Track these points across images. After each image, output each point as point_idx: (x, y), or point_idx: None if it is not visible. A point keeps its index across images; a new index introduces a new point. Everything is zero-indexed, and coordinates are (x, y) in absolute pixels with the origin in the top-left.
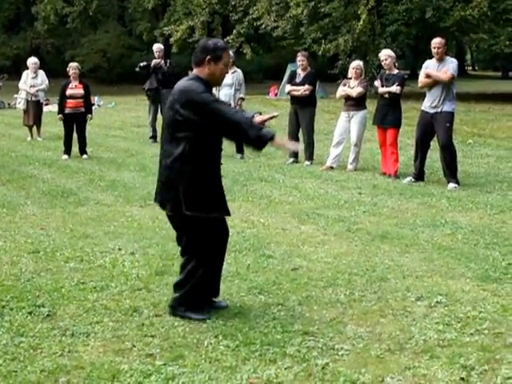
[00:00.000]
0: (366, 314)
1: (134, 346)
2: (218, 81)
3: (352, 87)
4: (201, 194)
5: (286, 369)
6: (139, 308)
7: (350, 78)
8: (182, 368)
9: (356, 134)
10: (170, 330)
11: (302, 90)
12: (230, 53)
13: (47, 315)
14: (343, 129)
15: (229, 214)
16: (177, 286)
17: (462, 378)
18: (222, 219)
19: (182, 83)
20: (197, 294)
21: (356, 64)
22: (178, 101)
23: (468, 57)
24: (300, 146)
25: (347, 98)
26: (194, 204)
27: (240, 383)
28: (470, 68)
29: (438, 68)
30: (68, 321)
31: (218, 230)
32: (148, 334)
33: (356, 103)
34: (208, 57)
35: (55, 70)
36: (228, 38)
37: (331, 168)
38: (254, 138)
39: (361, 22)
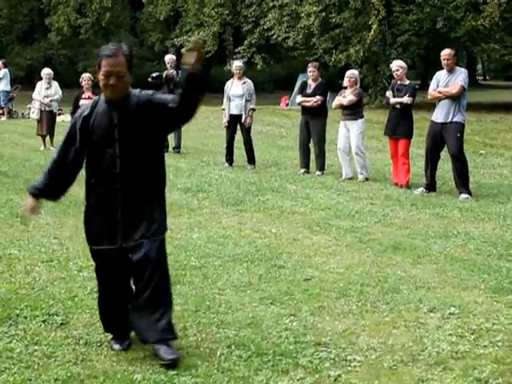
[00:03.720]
0: (379, 325)
1: (147, 356)
2: (110, 95)
3: (345, 96)
4: (85, 223)
5: (298, 380)
6: None
7: (346, 88)
8: (194, 378)
9: (355, 144)
10: (182, 340)
11: (313, 101)
12: (239, 63)
13: (61, 324)
14: (344, 137)
15: (114, 245)
16: None
17: None
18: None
19: None
20: (107, 323)
21: (350, 73)
22: None
23: (479, 66)
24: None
25: (343, 107)
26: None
27: None
28: (481, 78)
29: (448, 79)
30: (82, 329)
31: (107, 262)
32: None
33: (351, 112)
34: (95, 67)
35: (68, 81)
36: (239, 48)
37: (350, 179)
38: None
39: (371, 33)
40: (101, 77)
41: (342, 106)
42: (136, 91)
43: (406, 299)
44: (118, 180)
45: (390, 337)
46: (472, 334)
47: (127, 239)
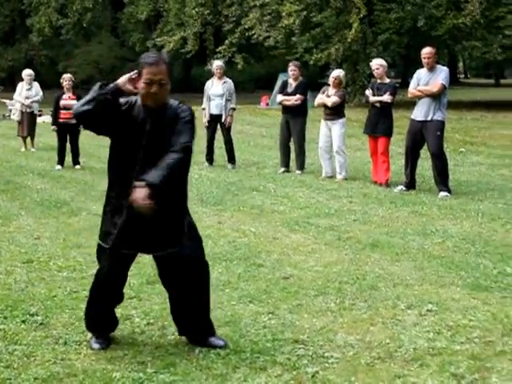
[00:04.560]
0: (356, 323)
1: (126, 354)
2: (144, 102)
3: (329, 95)
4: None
5: (276, 377)
6: (131, 316)
7: (329, 85)
8: (173, 376)
9: (336, 144)
10: (161, 339)
11: (293, 100)
12: (219, 63)
13: (40, 324)
14: (326, 137)
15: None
16: None
17: None
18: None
19: None
20: (94, 323)
21: (336, 74)
22: None
23: (460, 64)
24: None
25: (325, 106)
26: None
27: None
28: (462, 76)
29: (429, 77)
30: (61, 329)
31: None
32: (140, 342)
33: (334, 112)
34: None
35: (49, 82)
36: (220, 48)
37: (329, 177)
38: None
39: (352, 31)
40: (142, 85)
41: (324, 106)
42: (174, 103)
43: (384, 296)
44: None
45: (367, 334)
46: (449, 330)
47: (156, 249)
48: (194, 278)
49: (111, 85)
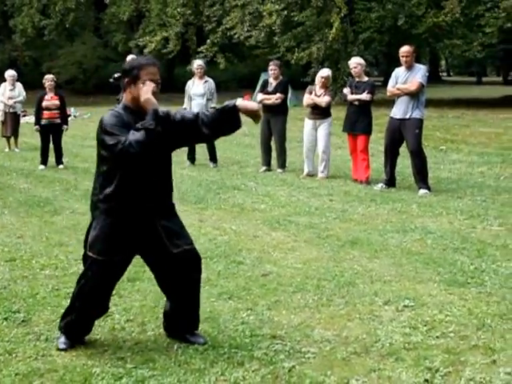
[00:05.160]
0: (334, 318)
1: (106, 350)
2: (142, 105)
3: (318, 95)
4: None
5: (253, 371)
6: (111, 313)
7: (314, 86)
8: (152, 371)
9: (324, 143)
10: (140, 335)
11: (274, 99)
12: (200, 62)
13: (22, 321)
14: (312, 136)
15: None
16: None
17: (426, 380)
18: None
19: (103, 115)
20: (76, 333)
21: (326, 74)
22: (98, 134)
23: (443, 63)
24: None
25: (314, 106)
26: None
27: None
28: (444, 74)
29: (406, 75)
30: (42, 326)
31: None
32: (119, 338)
33: (323, 112)
34: (126, 80)
35: (33, 82)
36: (202, 47)
37: (310, 176)
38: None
39: (333, 30)
40: (139, 84)
41: (313, 106)
42: None
43: (362, 293)
44: (152, 185)
45: (344, 329)
46: (425, 325)
47: (175, 245)
48: (195, 274)
49: (150, 119)
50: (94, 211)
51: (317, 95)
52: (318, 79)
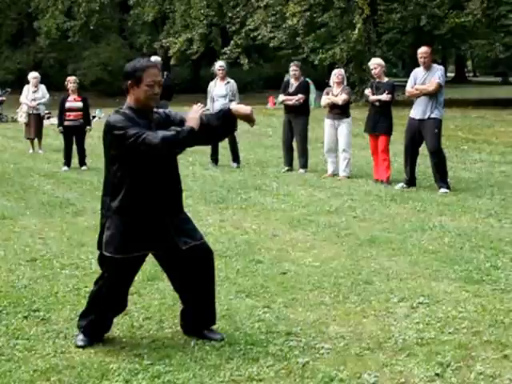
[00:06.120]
0: (349, 315)
1: (124, 347)
2: (146, 105)
3: (335, 95)
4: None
5: (267, 367)
6: (130, 311)
7: (332, 87)
8: (168, 367)
9: (344, 142)
10: (158, 332)
11: (295, 100)
12: (221, 63)
13: (42, 319)
14: (332, 136)
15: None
16: None
17: (437, 374)
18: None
19: (108, 117)
20: (95, 330)
21: (337, 71)
22: (105, 136)
23: (469, 63)
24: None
25: (332, 106)
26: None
27: (223, 380)
28: (471, 74)
29: (425, 76)
30: (62, 324)
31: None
32: (137, 335)
33: (341, 111)
34: (129, 82)
35: (58, 84)
36: (225, 49)
37: (333, 175)
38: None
39: (356, 31)
40: (145, 87)
41: (331, 105)
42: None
43: (378, 290)
44: (163, 184)
45: (359, 326)
46: (438, 321)
47: (185, 241)
48: (207, 269)
49: (185, 132)
50: (106, 211)
51: (334, 95)
52: (332, 78)
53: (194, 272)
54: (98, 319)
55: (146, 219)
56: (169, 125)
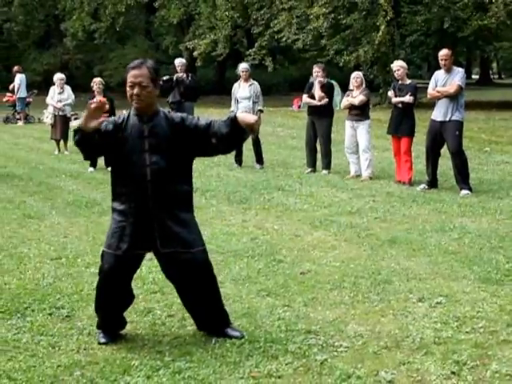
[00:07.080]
0: (368, 314)
1: (146, 344)
2: (135, 107)
3: (355, 97)
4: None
5: (286, 364)
6: (153, 309)
7: (353, 90)
8: (188, 363)
9: (364, 143)
10: (180, 329)
11: (317, 100)
12: (245, 65)
13: (66, 316)
14: (352, 137)
15: (149, 250)
16: None
17: (454, 372)
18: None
19: None
20: (108, 323)
21: (355, 74)
22: None
23: (494, 65)
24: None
25: (351, 107)
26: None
27: (242, 377)
28: (496, 76)
29: (446, 78)
30: (86, 321)
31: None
32: (160, 332)
33: (360, 113)
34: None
35: (85, 85)
36: (250, 50)
37: (356, 176)
38: None
39: (380, 33)
40: (127, 88)
41: (350, 107)
42: (166, 111)
43: (397, 290)
44: (148, 187)
45: (377, 325)
46: (456, 321)
47: (166, 245)
48: (200, 279)
49: (76, 135)
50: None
51: (353, 97)
52: (351, 82)
53: (179, 278)
54: (106, 315)
55: (131, 219)
56: (183, 129)
